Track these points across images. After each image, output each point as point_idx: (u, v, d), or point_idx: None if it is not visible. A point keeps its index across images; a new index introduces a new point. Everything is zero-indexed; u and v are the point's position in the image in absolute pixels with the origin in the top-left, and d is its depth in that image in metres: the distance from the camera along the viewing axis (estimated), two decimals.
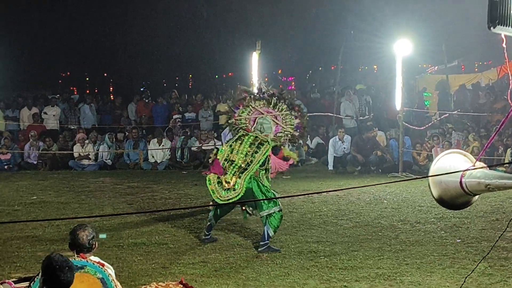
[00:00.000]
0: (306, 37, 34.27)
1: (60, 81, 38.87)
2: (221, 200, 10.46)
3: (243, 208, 10.85)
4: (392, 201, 14.66)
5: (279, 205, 10.61)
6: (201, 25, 33.18)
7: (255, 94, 11.52)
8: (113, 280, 5.59)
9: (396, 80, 19.58)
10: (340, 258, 10.01)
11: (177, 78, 40.45)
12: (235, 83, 28.73)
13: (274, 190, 11.08)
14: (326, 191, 16.46)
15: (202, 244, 10.96)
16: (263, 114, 11.22)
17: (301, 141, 12.22)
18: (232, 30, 32.65)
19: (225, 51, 33.22)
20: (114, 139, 21.86)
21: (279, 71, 41.31)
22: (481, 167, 5.25)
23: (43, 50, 32.65)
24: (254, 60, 17.62)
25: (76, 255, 5.76)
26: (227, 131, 13.62)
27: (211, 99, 25.64)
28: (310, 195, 14.96)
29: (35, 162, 21.08)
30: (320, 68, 39.08)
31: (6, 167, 20.57)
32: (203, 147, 21.28)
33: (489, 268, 9.26)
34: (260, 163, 10.58)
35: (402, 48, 19.07)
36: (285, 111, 11.28)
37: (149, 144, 21.43)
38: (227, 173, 10.53)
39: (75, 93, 31.93)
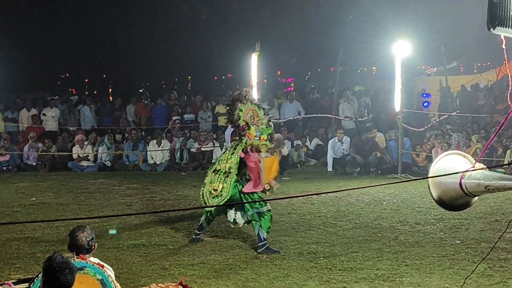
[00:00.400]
0: (305, 38, 34.23)
1: (59, 83, 38.86)
2: (210, 210, 10.88)
3: (235, 212, 10.92)
4: (392, 202, 14.67)
5: (266, 205, 10.63)
6: (201, 26, 33.18)
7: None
8: (113, 281, 5.59)
9: (396, 81, 19.58)
10: (340, 259, 10.01)
11: (176, 79, 40.46)
12: (234, 85, 28.81)
13: (260, 194, 10.93)
14: (325, 192, 16.48)
15: (201, 245, 10.97)
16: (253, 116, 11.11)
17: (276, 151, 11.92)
18: (231, 32, 32.63)
19: (224, 52, 33.22)
20: (113, 141, 21.87)
21: (279, 73, 41.35)
22: (481, 168, 5.25)
23: (42, 51, 32.64)
24: (254, 61, 17.59)
25: (75, 256, 5.76)
26: (229, 130, 13.61)
27: (210, 101, 25.64)
28: (309, 196, 14.96)
29: (34, 164, 21.08)
30: (319, 70, 39.07)
31: (5, 168, 20.57)
32: (202, 149, 21.28)
33: (488, 269, 9.26)
34: (237, 163, 10.64)
35: (401, 49, 19.07)
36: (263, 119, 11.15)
37: (148, 146, 21.43)
38: (214, 182, 10.65)
39: (74, 93, 31.98)
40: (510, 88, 5.72)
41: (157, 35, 32.92)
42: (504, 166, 17.10)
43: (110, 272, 5.75)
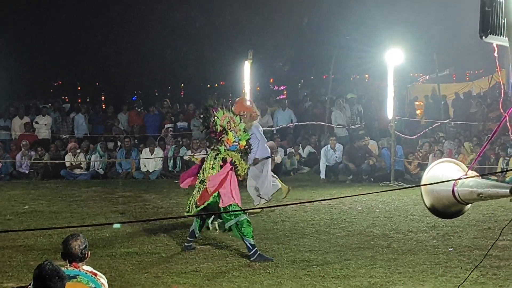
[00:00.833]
0: (298, 46, 34.33)
1: (52, 90, 38.82)
2: (188, 213, 10.90)
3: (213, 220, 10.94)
4: (384, 210, 14.68)
5: (242, 214, 10.62)
6: (193, 34, 33.21)
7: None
8: None
9: (388, 89, 19.62)
10: (333, 267, 10.01)
11: (169, 87, 40.45)
12: (227, 92, 28.82)
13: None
14: (318, 200, 16.46)
15: (194, 253, 10.95)
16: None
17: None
18: (224, 39, 32.66)
19: (217, 60, 33.23)
20: (105, 149, 21.86)
21: (271, 80, 41.34)
22: (473, 176, 5.27)
23: (35, 59, 32.58)
24: (246, 69, 17.63)
25: (68, 265, 5.75)
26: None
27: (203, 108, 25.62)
28: (302, 204, 14.97)
29: (27, 172, 21.05)
30: (312, 77, 39.11)
31: None
32: (195, 156, 21.26)
33: (481, 276, 9.27)
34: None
35: (394, 57, 19.11)
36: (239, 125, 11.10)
37: (141, 153, 21.42)
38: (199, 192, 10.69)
39: (67, 100, 31.95)
40: (502, 95, 5.74)
41: (149, 43, 32.92)
42: (496, 174, 17.14)
43: (103, 280, 5.74)
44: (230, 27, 32.82)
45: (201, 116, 11.38)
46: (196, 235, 11.20)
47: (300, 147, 22.89)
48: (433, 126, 22.61)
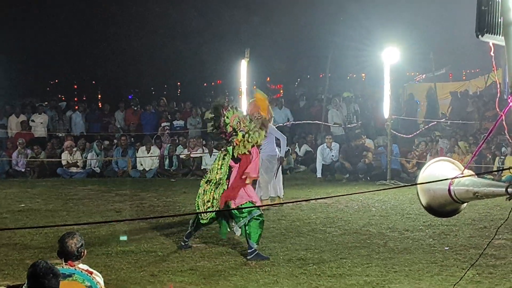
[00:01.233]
0: (294, 45, 34.39)
1: (48, 89, 38.80)
2: (203, 220, 10.79)
3: (229, 222, 10.88)
4: (381, 208, 14.68)
5: (257, 210, 10.55)
6: (190, 33, 33.22)
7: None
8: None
9: (384, 88, 19.61)
10: (329, 265, 10.00)
11: (165, 85, 40.46)
12: (224, 91, 28.82)
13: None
14: (314, 199, 16.47)
15: (191, 252, 10.94)
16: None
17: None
18: (221, 38, 32.69)
19: (214, 59, 33.25)
20: (102, 147, 21.85)
21: (268, 79, 41.38)
22: (470, 175, 5.27)
23: (31, 57, 32.60)
24: (243, 68, 17.61)
25: (64, 263, 5.75)
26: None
27: (200, 107, 25.64)
28: (298, 202, 14.97)
29: (23, 170, 21.03)
30: (308, 76, 39.15)
31: None
32: (191, 155, 21.27)
33: (477, 275, 9.27)
34: (227, 174, 10.59)
35: (390, 56, 19.11)
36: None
37: (137, 152, 21.41)
38: (207, 193, 10.62)
39: (63, 99, 31.90)
40: (498, 95, 5.75)
41: (146, 42, 32.94)
42: (493, 173, 17.15)
43: (99, 278, 5.74)
44: (227, 26, 32.84)
45: (211, 116, 11.14)
46: (193, 235, 11.17)
47: (297, 145, 22.90)
48: (429, 125, 22.62)
